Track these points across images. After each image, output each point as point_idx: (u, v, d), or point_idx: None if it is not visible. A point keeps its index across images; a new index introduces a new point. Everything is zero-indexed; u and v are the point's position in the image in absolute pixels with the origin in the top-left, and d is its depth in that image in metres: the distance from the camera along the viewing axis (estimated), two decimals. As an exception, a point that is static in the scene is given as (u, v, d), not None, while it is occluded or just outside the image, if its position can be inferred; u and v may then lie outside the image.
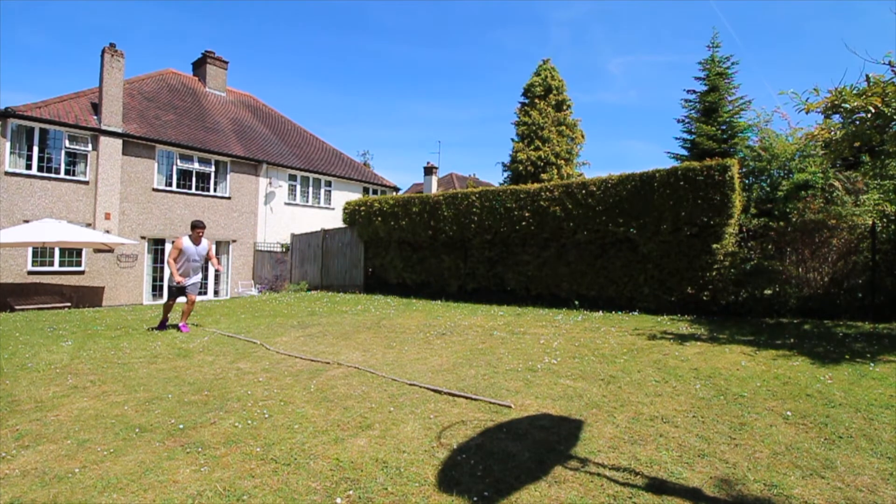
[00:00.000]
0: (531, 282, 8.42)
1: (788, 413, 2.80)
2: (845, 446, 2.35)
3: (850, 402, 2.98)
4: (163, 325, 6.42)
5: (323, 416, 2.91)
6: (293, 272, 13.90)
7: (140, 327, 6.56)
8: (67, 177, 12.79)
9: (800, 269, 6.55)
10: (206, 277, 15.79)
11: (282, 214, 17.51)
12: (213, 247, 6.28)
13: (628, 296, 7.41)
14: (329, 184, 19.44)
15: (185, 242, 6.21)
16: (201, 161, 15.39)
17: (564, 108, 18.77)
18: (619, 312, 7.17)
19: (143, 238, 14.04)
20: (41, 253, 12.46)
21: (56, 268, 12.67)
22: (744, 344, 4.75)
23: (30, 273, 12.19)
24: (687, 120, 15.87)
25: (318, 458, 2.31)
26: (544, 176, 17.41)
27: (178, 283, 6.08)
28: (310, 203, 18.70)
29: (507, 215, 8.48)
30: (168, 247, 15.30)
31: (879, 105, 4.21)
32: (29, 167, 12.22)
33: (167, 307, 6.45)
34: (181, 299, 6.55)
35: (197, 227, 6.30)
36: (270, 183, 17.00)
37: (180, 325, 6.31)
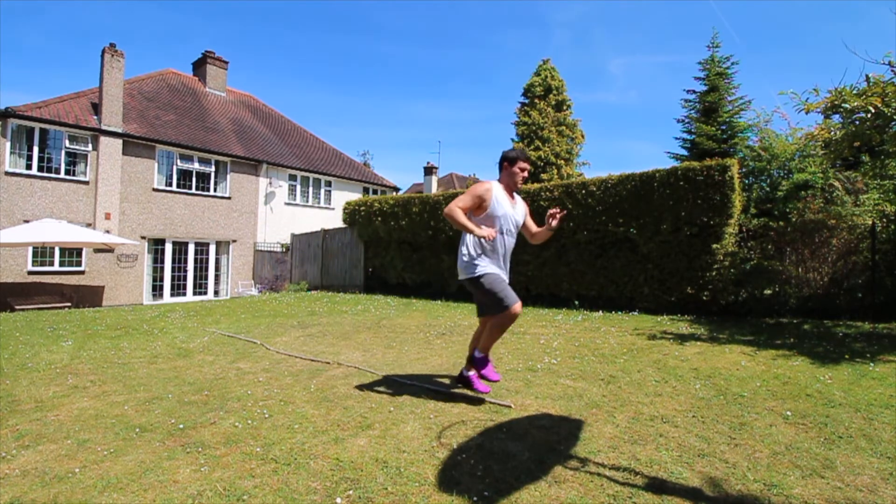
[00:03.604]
0: (531, 282, 8.42)
1: (788, 413, 2.80)
2: (845, 446, 2.35)
3: (849, 401, 2.98)
4: (478, 381, 3.26)
5: (323, 415, 2.91)
6: (293, 272, 13.90)
7: (140, 327, 6.53)
8: (67, 177, 12.80)
9: (799, 269, 6.55)
10: (205, 278, 15.78)
11: (282, 214, 17.51)
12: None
13: (628, 296, 7.41)
14: (329, 184, 19.45)
15: (497, 193, 3.08)
16: (201, 161, 15.40)
17: (564, 108, 18.77)
18: (619, 312, 7.17)
19: (143, 238, 14.04)
20: (41, 253, 12.46)
21: (56, 268, 12.67)
22: (744, 344, 4.75)
23: (30, 273, 12.19)
24: (687, 120, 15.86)
25: (319, 458, 2.31)
26: (544, 176, 17.41)
27: (489, 236, 2.92)
28: (310, 203, 18.70)
29: (507, 215, 8.47)
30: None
31: (879, 105, 4.21)
32: (29, 167, 12.23)
33: (507, 324, 3.08)
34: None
35: (518, 161, 3.13)
36: (270, 183, 17.00)
37: (482, 365, 3.21)
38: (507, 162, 3.16)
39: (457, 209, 2.97)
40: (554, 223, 3.13)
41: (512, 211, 3.15)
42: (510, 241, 3.22)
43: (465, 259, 3.12)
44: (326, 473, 2.16)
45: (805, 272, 6.51)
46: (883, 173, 6.90)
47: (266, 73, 73.15)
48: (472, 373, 3.27)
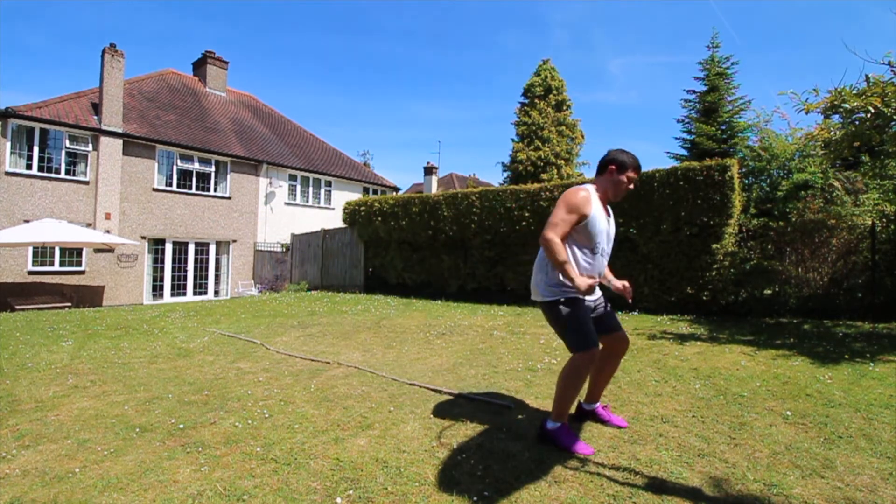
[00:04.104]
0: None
1: (788, 413, 2.80)
2: (845, 446, 2.35)
3: (849, 401, 2.99)
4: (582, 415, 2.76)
5: (323, 415, 2.91)
6: (293, 272, 13.90)
7: (140, 327, 6.53)
8: (68, 177, 12.79)
9: (799, 269, 6.55)
10: (205, 278, 15.77)
11: (282, 214, 17.51)
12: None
13: (628, 296, 7.41)
14: (329, 184, 19.44)
15: (595, 203, 2.44)
16: (201, 161, 15.40)
17: (564, 108, 18.78)
18: (620, 312, 7.17)
19: (143, 238, 14.04)
20: (41, 253, 12.46)
21: (56, 268, 12.67)
22: (743, 344, 4.75)
23: (30, 273, 12.19)
24: (687, 120, 15.86)
25: (319, 458, 2.31)
26: (544, 176, 17.41)
27: (587, 288, 2.28)
28: (310, 203, 18.70)
29: (507, 215, 8.48)
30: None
31: (879, 105, 4.21)
32: (29, 167, 12.23)
33: (583, 373, 2.38)
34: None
35: (629, 169, 2.48)
36: (270, 183, 17.00)
37: (598, 410, 2.75)
38: (614, 165, 2.47)
39: (557, 241, 2.29)
40: (608, 282, 2.72)
41: (608, 226, 2.52)
42: (604, 262, 2.60)
43: (549, 278, 2.44)
44: (326, 473, 2.16)
45: (805, 272, 6.51)
46: (883, 173, 6.90)
47: (266, 73, 73.24)
48: (555, 425, 2.41)
